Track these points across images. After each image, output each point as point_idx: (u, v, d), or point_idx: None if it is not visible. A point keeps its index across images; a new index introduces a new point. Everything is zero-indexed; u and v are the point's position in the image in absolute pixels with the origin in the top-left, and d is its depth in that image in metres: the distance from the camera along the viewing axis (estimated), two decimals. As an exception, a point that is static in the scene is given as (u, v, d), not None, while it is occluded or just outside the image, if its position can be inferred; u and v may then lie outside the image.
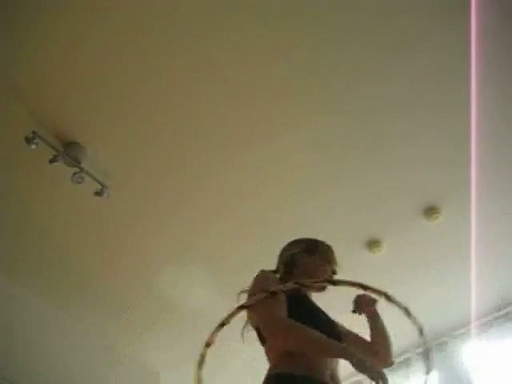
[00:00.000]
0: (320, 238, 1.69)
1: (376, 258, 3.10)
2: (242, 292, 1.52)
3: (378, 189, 2.78)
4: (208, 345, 1.33)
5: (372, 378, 1.22)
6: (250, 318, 1.52)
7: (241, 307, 1.35)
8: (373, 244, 3.03)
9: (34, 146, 2.43)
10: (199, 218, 2.90)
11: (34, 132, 2.44)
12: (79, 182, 2.58)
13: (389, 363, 1.63)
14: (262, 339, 1.48)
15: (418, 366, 3.50)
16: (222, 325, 1.32)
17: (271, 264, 1.66)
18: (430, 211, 2.88)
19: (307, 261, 1.65)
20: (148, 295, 3.25)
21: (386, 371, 1.25)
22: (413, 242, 3.02)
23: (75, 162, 2.56)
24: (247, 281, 1.51)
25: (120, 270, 3.13)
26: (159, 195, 2.80)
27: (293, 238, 1.71)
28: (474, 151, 2.60)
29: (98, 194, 2.67)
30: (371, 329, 1.64)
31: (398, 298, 1.29)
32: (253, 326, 1.52)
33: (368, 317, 1.65)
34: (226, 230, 2.95)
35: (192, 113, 2.49)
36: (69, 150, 2.55)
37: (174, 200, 2.82)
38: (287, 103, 2.49)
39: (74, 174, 2.57)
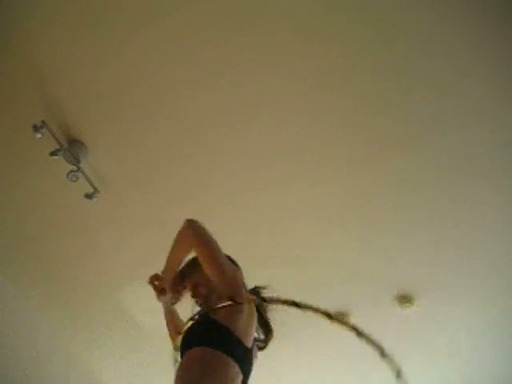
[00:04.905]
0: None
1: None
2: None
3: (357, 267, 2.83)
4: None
5: None
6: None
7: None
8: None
9: (39, 136, 2.43)
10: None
11: (43, 121, 2.45)
12: (73, 181, 2.57)
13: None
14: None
15: None
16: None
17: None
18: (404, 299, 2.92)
19: None
20: (111, 308, 3.23)
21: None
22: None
23: (75, 160, 2.56)
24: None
25: (86, 276, 3.12)
26: (144, 216, 2.80)
27: None
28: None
29: (88, 196, 2.66)
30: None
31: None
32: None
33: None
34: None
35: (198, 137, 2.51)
36: (72, 148, 2.55)
37: (160, 223, 2.81)
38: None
39: (71, 171, 2.56)
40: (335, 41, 2.09)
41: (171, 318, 1.77)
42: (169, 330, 1.78)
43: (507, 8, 1.92)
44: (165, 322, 1.81)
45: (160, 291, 1.67)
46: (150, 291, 1.72)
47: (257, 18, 2.07)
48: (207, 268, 1.51)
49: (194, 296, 1.66)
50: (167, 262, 1.68)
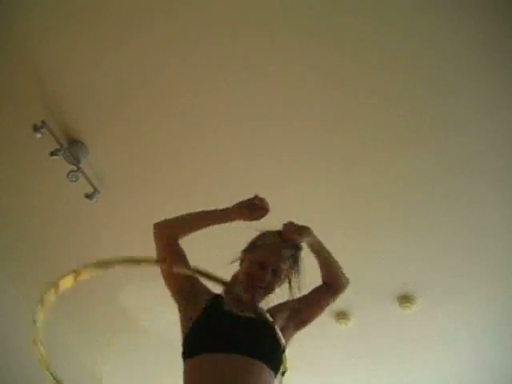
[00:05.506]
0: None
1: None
2: None
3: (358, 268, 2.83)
4: None
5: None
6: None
7: None
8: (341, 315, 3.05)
9: (39, 135, 2.43)
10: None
11: (43, 121, 2.45)
12: (73, 181, 2.57)
13: (344, 287, 1.59)
14: None
15: None
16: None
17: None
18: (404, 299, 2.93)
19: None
20: (111, 307, 3.23)
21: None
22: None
23: (75, 160, 2.56)
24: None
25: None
26: (144, 216, 2.80)
27: None
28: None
29: (88, 196, 2.67)
30: (316, 259, 1.55)
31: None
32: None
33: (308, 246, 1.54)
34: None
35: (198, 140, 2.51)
36: (72, 148, 2.56)
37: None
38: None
39: (71, 171, 2.56)
40: (337, 41, 2.09)
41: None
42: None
43: (507, 8, 1.92)
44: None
45: (257, 209, 1.51)
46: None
47: (258, 19, 2.07)
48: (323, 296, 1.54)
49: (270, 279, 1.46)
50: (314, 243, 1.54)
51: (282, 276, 1.48)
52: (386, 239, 2.79)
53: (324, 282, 1.58)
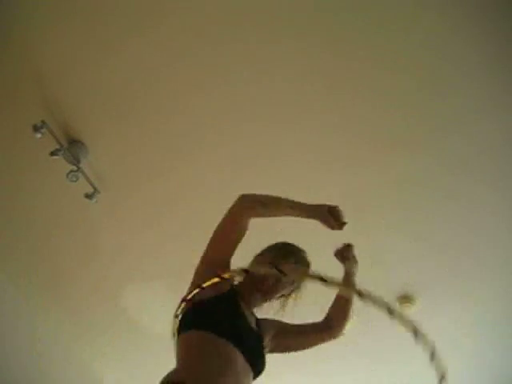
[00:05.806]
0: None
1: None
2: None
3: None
4: None
5: None
6: None
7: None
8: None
9: (39, 135, 2.44)
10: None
11: (43, 121, 2.45)
12: (73, 181, 2.58)
13: (338, 336, 1.64)
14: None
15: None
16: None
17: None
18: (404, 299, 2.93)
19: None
20: (111, 307, 3.23)
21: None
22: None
23: (75, 160, 2.57)
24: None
25: (86, 276, 3.12)
26: (144, 216, 2.81)
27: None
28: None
29: (88, 196, 2.67)
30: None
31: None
32: None
33: (345, 271, 1.63)
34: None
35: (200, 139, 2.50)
36: (72, 148, 2.56)
37: (160, 223, 2.82)
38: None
39: (71, 171, 2.56)
40: (337, 40, 2.09)
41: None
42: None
43: (507, 8, 1.92)
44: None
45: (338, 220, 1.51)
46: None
47: (258, 19, 2.07)
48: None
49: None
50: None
51: (282, 290, 1.53)
52: (386, 239, 2.79)
53: (326, 319, 1.64)
